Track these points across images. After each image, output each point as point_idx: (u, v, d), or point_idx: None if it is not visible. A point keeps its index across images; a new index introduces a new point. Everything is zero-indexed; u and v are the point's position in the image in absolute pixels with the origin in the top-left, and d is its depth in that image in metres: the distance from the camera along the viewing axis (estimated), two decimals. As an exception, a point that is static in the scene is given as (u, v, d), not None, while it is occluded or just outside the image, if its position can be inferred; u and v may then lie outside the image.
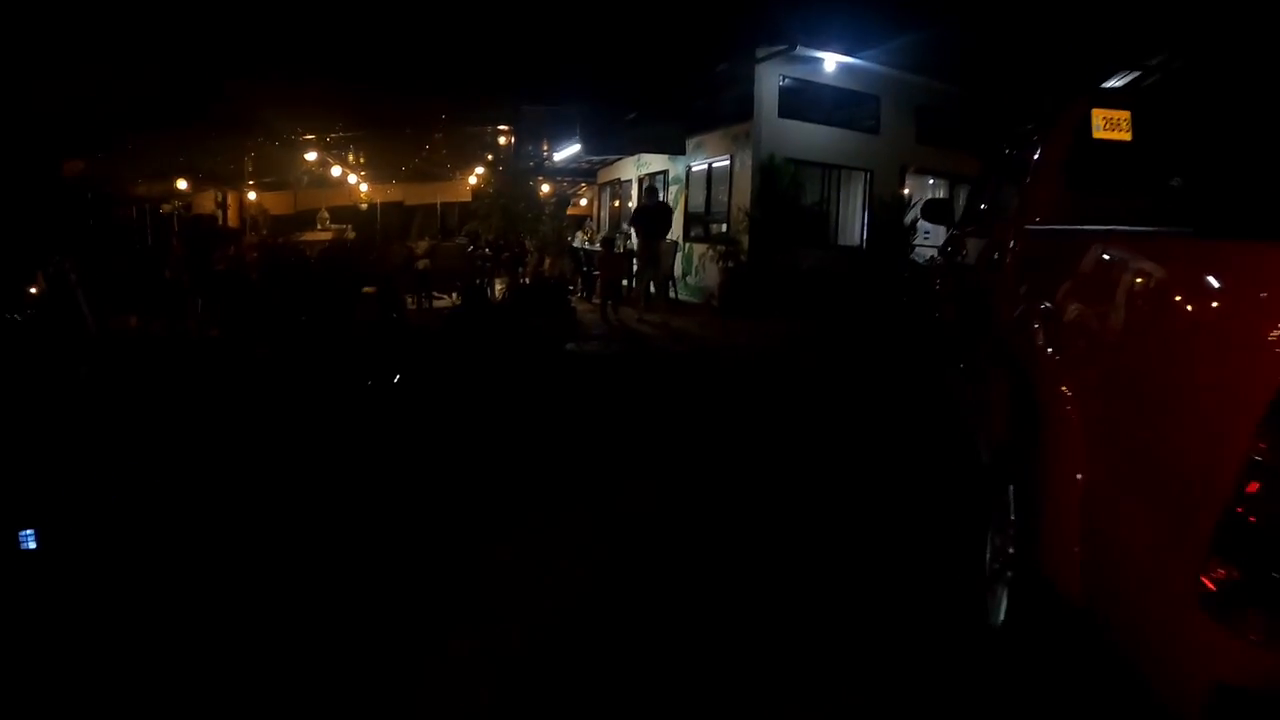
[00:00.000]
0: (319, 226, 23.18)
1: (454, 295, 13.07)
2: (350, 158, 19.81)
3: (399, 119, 13.91)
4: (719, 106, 15.84)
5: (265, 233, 23.25)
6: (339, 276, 9.41)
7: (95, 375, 6.77)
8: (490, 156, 13.83)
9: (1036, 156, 3.97)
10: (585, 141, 14.24)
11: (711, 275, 14.95)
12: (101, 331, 9.03)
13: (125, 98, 12.87)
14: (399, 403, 6.81)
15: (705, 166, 16.48)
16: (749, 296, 13.77)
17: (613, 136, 14.38)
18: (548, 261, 15.15)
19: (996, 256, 4.12)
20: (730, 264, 14.29)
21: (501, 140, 13.56)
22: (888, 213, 15.71)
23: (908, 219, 15.58)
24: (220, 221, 22.41)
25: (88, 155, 15.04)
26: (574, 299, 14.38)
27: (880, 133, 16.23)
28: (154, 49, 12.32)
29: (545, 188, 28.46)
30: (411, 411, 6.52)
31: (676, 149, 15.23)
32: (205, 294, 11.85)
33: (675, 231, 17.84)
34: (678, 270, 17.43)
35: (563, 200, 14.24)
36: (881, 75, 15.52)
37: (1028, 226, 3.71)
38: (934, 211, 6.98)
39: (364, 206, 24.45)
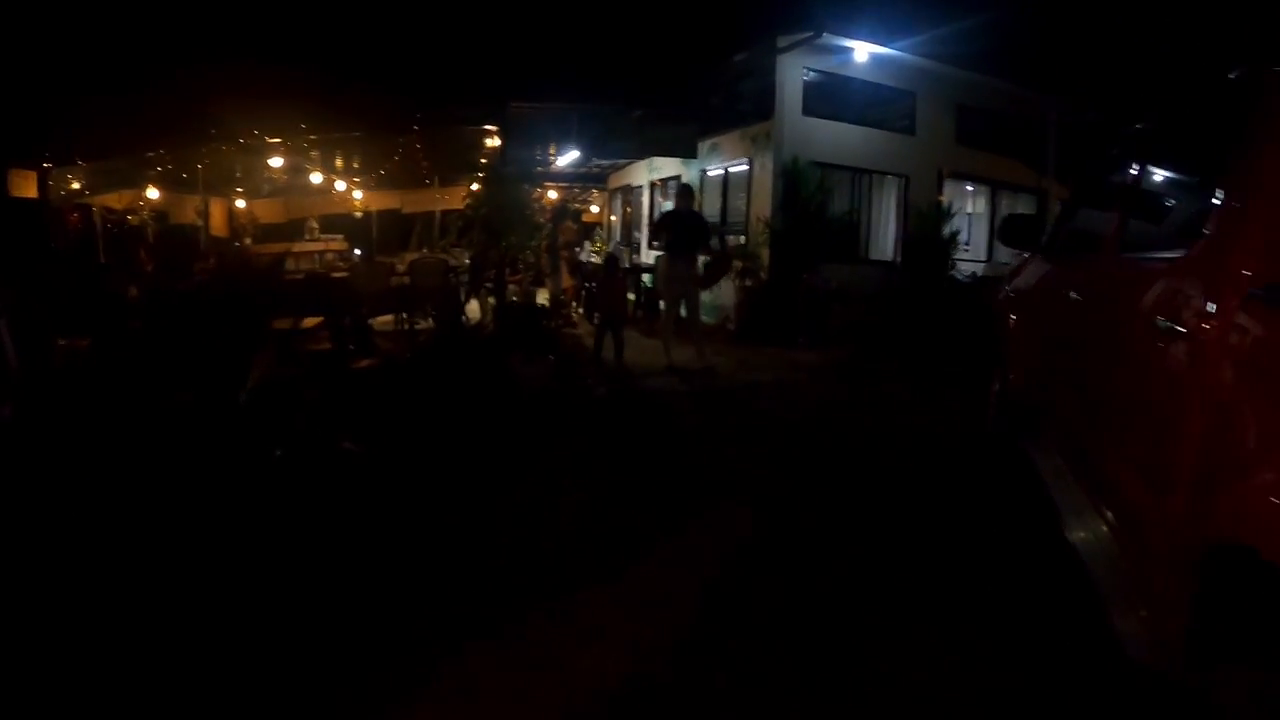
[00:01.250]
0: (307, 237, 21.78)
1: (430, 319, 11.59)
2: (339, 163, 18.25)
3: (363, 119, 12.37)
4: (736, 103, 14.16)
5: (247, 241, 21.92)
6: (234, 310, 7.77)
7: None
8: (485, 160, 12.26)
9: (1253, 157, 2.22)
10: (582, 142, 12.59)
11: (726, 293, 13.28)
12: (37, 361, 7.59)
13: (67, 94, 11.49)
14: (308, 487, 5.17)
15: (721, 171, 14.82)
16: (769, 319, 12.08)
17: (615, 138, 12.74)
18: (547, 281, 13.56)
19: (1172, 324, 2.37)
20: (748, 281, 12.62)
21: (489, 142, 11.96)
22: (924, 223, 13.99)
23: (947, 230, 13.85)
24: (205, 231, 21.02)
25: (36, 164, 13.55)
26: (576, 317, 12.75)
27: (916, 134, 14.53)
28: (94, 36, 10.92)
29: (552, 194, 27.03)
30: (317, 507, 4.87)
31: (687, 151, 13.55)
32: (150, 314, 10.32)
33: (688, 244, 16.31)
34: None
35: (561, 210, 12.52)
36: (918, 69, 13.82)
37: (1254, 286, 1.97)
38: (1015, 231, 5.31)
39: (359, 215, 23.05)
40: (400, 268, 14.55)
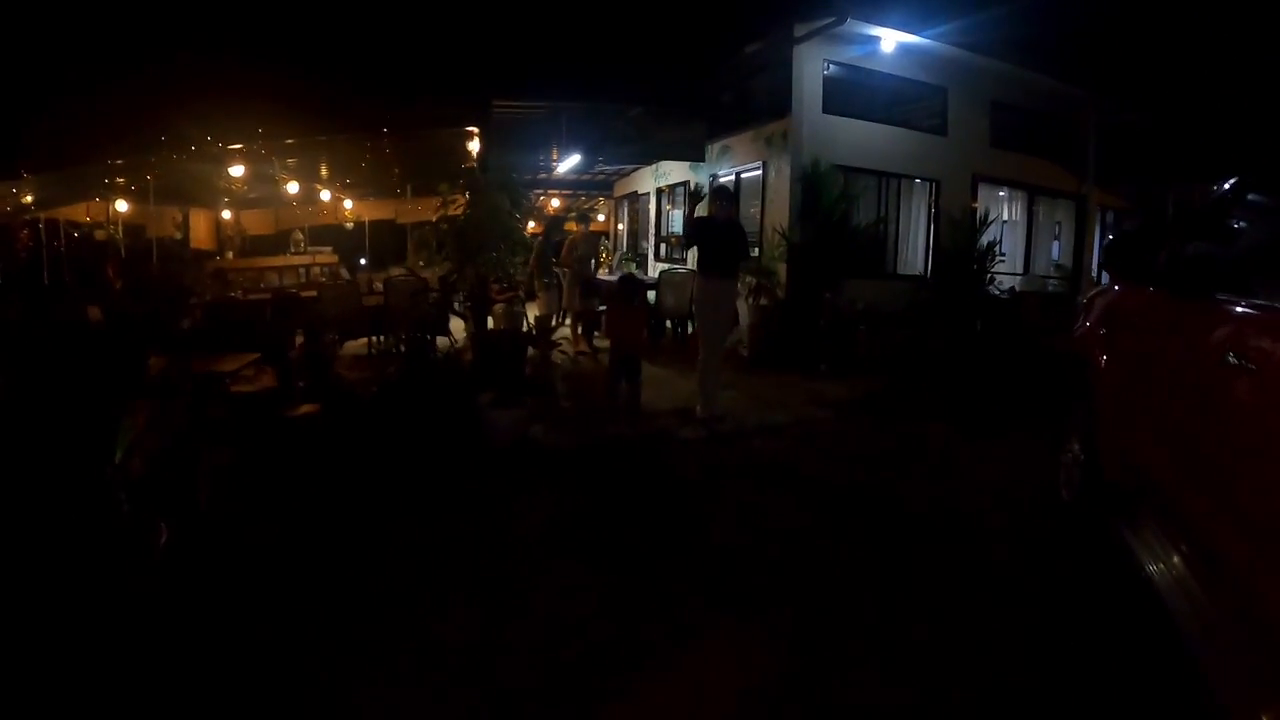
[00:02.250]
0: (292, 250, 20.55)
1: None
2: (322, 171, 16.92)
3: (326, 121, 11.02)
4: (749, 100, 12.80)
5: (229, 255, 20.67)
6: (104, 347, 6.35)
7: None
8: (465, 167, 10.83)
9: None
10: (575, 146, 11.20)
11: (741, 311, 11.89)
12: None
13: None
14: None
15: (732, 177, 13.44)
16: (787, 343, 10.69)
17: (613, 140, 11.36)
18: (539, 298, 12.19)
19: None
20: (763, 300, 11.23)
21: (471, 146, 10.64)
22: (957, 233, 12.57)
23: (982, 239, 12.43)
24: (185, 244, 19.80)
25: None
26: (569, 345, 11.36)
27: (948, 134, 13.12)
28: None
29: (555, 203, 25.73)
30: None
31: (694, 154, 12.16)
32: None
33: (695, 257, 14.97)
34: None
35: (555, 222, 11.16)
36: (950, 61, 12.44)
37: None
38: (1130, 256, 3.93)
39: (349, 226, 21.81)
40: (378, 285, 13.24)
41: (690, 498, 5.83)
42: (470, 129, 10.57)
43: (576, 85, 11.07)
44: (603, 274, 14.42)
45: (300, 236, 20.93)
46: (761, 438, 7.43)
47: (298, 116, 11.12)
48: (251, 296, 13.36)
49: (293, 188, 16.78)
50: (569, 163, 16.36)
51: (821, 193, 11.11)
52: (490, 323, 12.76)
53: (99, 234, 16.45)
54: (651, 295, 13.07)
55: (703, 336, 8.02)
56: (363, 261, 20.74)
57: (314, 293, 12.62)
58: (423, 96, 10.30)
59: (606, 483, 6.18)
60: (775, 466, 6.60)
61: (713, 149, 14.20)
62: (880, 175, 12.48)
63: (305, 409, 7.61)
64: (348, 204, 21.15)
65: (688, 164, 15.36)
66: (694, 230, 8.26)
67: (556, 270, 11.10)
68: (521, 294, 13.47)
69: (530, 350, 9.60)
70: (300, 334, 11.72)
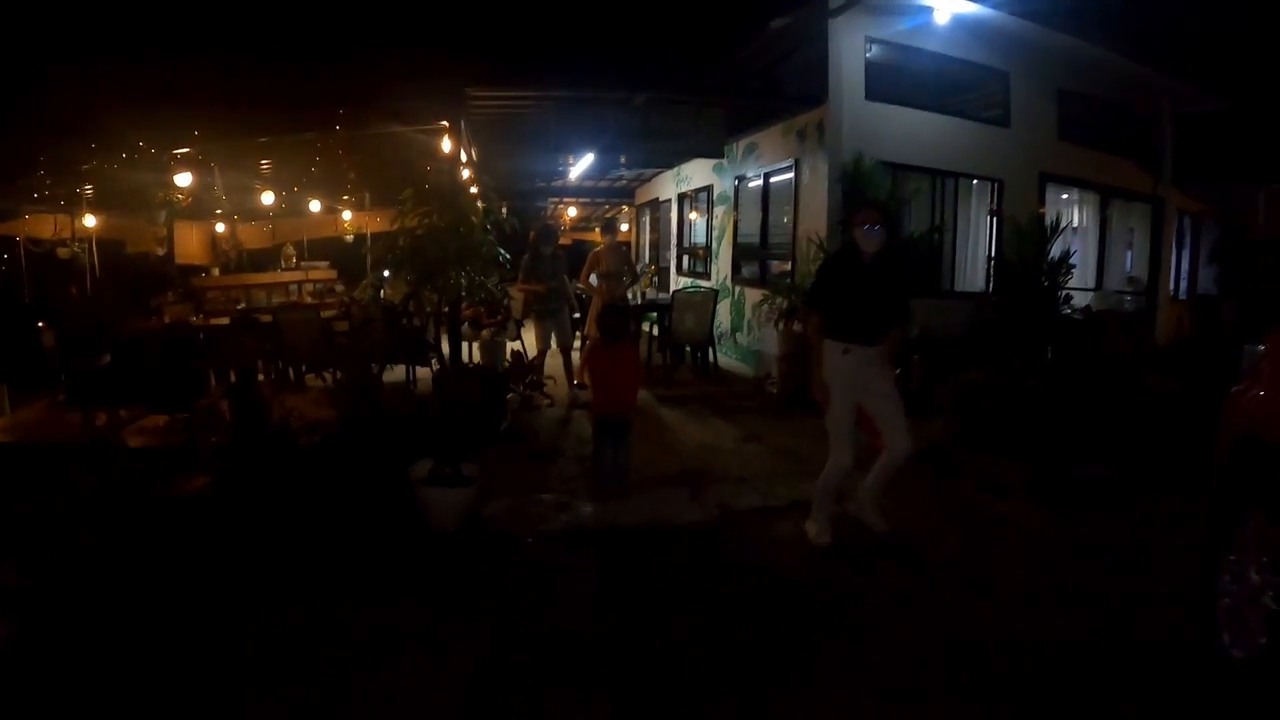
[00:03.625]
0: (283, 265, 18.93)
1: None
2: (304, 177, 15.23)
3: (269, 118, 9.28)
4: (777, 87, 10.90)
5: (214, 271, 19.11)
6: None
7: None
8: (431, 170, 8.95)
9: None
10: (567, 143, 9.34)
11: (768, 341, 10.00)
12: None
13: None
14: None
15: (760, 177, 11.57)
16: (825, 378, 8.80)
17: (615, 135, 9.47)
18: (534, 327, 10.37)
19: None
20: (796, 325, 9.33)
21: (445, 146, 8.86)
22: (1024, 242, 10.61)
23: (1054, 250, 10.45)
24: (169, 260, 18.22)
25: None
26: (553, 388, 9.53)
27: (1011, 125, 11.17)
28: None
29: (572, 212, 23.96)
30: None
31: (712, 149, 10.23)
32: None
33: (721, 271, 13.04)
34: (725, 324, 12.57)
35: (546, 231, 9.27)
36: (1013, 38, 10.58)
37: None
38: None
39: (349, 238, 20.18)
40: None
41: (674, 633, 3.96)
42: (441, 124, 8.79)
43: (568, 71, 9.21)
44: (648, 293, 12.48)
45: (291, 251, 19.29)
46: (789, 519, 5.55)
47: (236, 116, 9.43)
48: (214, 321, 11.71)
49: (311, 202, 15.30)
50: (580, 167, 14.60)
51: (866, 195, 9.22)
52: (476, 353, 11.06)
53: (61, 251, 14.83)
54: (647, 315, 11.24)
55: (832, 431, 5.08)
56: (385, 274, 18.90)
57: (269, 317, 10.90)
58: (381, 87, 8.52)
59: (565, 598, 4.36)
60: (802, 571, 4.73)
61: (736, 147, 12.34)
62: (934, 174, 10.56)
63: (197, 482, 5.81)
64: (346, 215, 19.53)
65: (710, 166, 13.59)
66: (829, 277, 5.12)
67: (550, 289, 9.21)
68: (517, 321, 11.69)
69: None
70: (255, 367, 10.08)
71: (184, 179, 10.86)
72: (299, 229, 20.36)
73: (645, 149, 9.83)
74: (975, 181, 11.11)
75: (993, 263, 11.19)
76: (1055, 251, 10.49)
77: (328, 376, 9.66)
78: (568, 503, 5.97)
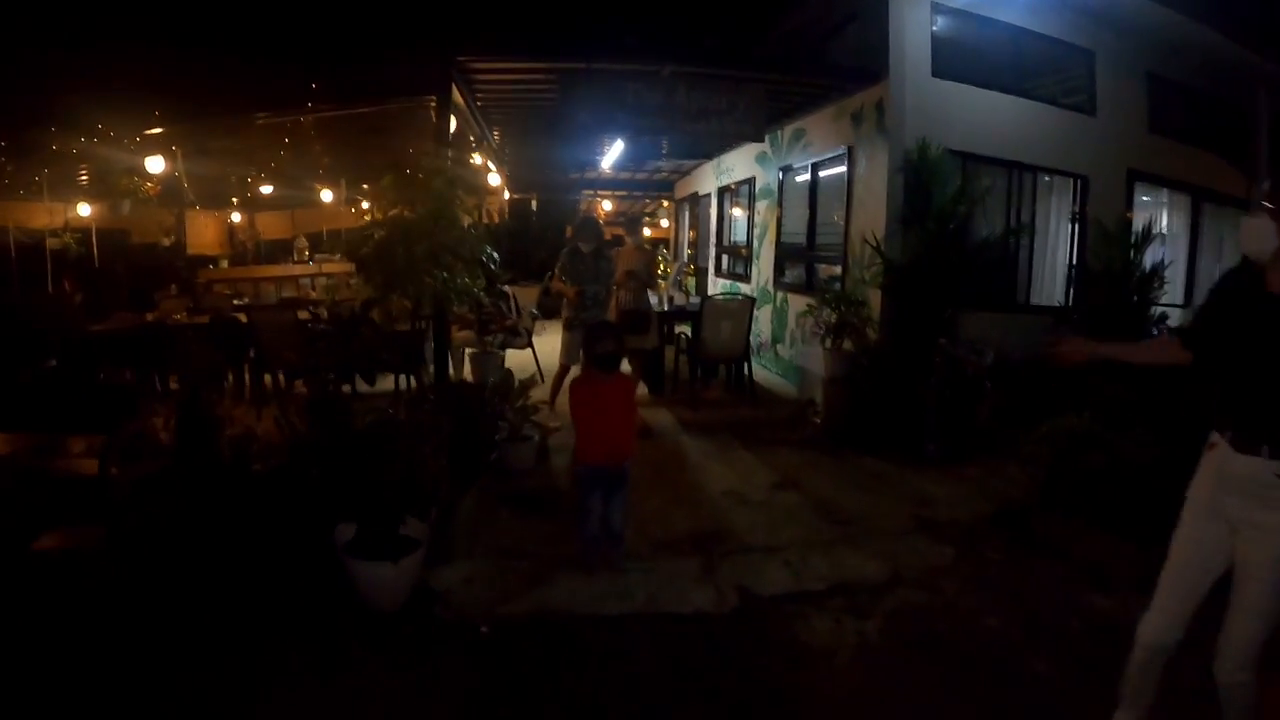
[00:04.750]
0: (295, 258, 17.81)
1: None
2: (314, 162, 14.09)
3: (231, 95, 8.11)
4: (827, 63, 9.43)
5: (224, 264, 18.07)
6: None
7: None
8: (412, 153, 7.47)
9: None
10: (578, 123, 7.88)
11: (815, 355, 8.56)
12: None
13: None
14: None
15: (808, 168, 10.12)
16: (878, 408, 7.29)
17: (636, 114, 8.03)
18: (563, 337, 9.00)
19: None
20: (846, 344, 7.89)
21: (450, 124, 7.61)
22: (1111, 249, 9.04)
23: (1145, 260, 8.88)
24: (179, 250, 17.22)
25: None
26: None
27: (1096, 114, 9.60)
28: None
29: (607, 206, 22.58)
30: None
31: (750, 132, 8.70)
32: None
33: (762, 274, 11.61)
34: (765, 333, 11.16)
35: (586, 223, 7.96)
36: (1097, 12, 9.10)
37: None
38: None
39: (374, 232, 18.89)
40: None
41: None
42: (425, 98, 7.51)
43: (581, 37, 7.82)
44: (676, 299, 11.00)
45: (304, 243, 18.17)
46: (827, 613, 4.16)
47: (193, 93, 8.28)
48: (196, 319, 10.54)
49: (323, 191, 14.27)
50: (611, 156, 13.25)
51: (932, 189, 7.75)
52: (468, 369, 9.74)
53: (51, 241, 13.82)
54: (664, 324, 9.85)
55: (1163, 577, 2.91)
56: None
57: (242, 317, 9.71)
58: (362, 54, 7.26)
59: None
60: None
61: (781, 134, 10.90)
62: (1010, 167, 9.02)
63: (78, 537, 4.51)
64: (365, 204, 18.38)
65: (753, 156, 12.18)
66: (1219, 315, 2.82)
67: (586, 293, 7.82)
68: (526, 329, 10.35)
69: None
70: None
71: (155, 164, 9.74)
72: (318, 219, 19.33)
73: (673, 131, 8.38)
74: (1056, 177, 9.56)
75: (1073, 272, 9.63)
76: (1147, 261, 8.93)
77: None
78: (543, 574, 4.63)
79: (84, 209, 14.10)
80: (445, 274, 6.26)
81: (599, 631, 4.00)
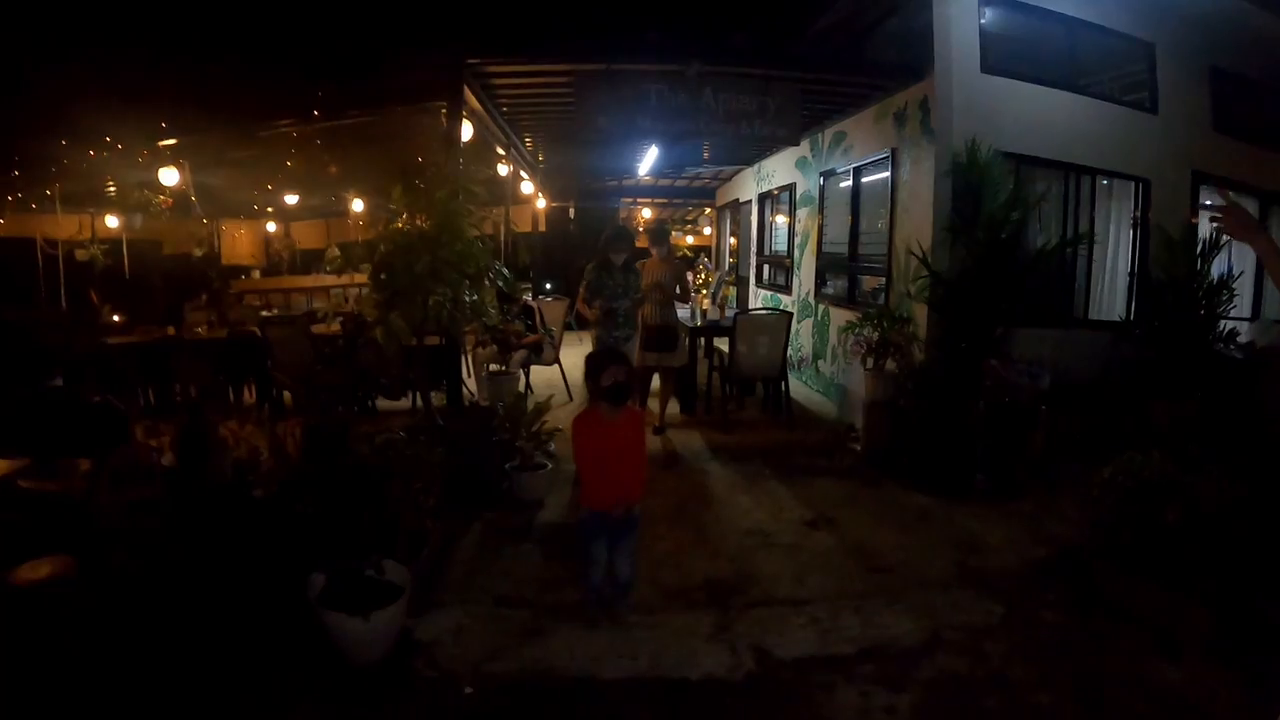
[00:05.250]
0: (327, 268, 17.53)
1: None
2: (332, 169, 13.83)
3: (237, 104, 7.79)
4: (866, 59, 8.83)
5: (255, 274, 17.88)
6: None
7: None
8: (423, 163, 6.95)
9: None
10: (597, 127, 7.36)
11: (856, 373, 7.98)
12: None
13: None
14: None
15: (850, 173, 9.54)
16: (925, 435, 6.68)
17: (662, 119, 7.51)
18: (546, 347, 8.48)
19: None
20: (890, 361, 7.31)
21: (454, 130, 7.16)
22: (1175, 258, 8.36)
23: (1213, 270, 8.19)
24: (212, 261, 17.04)
25: None
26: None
27: (1158, 111, 8.91)
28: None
29: (646, 213, 22.09)
30: None
31: (786, 135, 8.10)
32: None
33: (803, 285, 11.06)
34: (806, 348, 10.62)
35: (618, 234, 7.24)
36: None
37: None
38: None
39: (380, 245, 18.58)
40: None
41: None
42: (436, 104, 7.08)
43: (597, 37, 7.31)
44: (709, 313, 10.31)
45: (336, 253, 17.89)
46: (855, 685, 3.61)
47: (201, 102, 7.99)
48: (215, 334, 10.29)
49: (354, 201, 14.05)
50: (648, 163, 12.78)
51: (982, 194, 7.13)
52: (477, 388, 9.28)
53: (79, 253, 13.65)
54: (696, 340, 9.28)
55: None
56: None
57: (255, 330, 9.41)
58: (369, 58, 6.85)
59: None
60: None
61: (822, 137, 10.35)
62: (1066, 170, 8.38)
63: (45, 569, 4.09)
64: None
65: (793, 161, 11.64)
66: None
67: (616, 311, 7.28)
68: (553, 345, 9.88)
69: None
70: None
71: (169, 176, 9.48)
72: (352, 228, 19.09)
73: (700, 135, 7.85)
74: (1116, 180, 8.89)
75: (1135, 283, 8.94)
76: (1214, 271, 8.24)
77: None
78: (541, 625, 4.16)
79: (112, 220, 13.96)
80: (449, 291, 5.82)
81: (593, 698, 3.52)
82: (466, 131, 7.70)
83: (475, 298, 6.04)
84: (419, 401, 8.26)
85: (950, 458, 6.41)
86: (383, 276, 5.86)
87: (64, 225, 13.75)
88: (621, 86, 7.29)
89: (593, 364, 4.17)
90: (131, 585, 3.87)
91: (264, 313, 13.77)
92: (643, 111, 7.32)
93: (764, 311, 9.29)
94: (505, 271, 6.30)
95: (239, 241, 18.95)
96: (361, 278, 16.66)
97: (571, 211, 19.82)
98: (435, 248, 5.70)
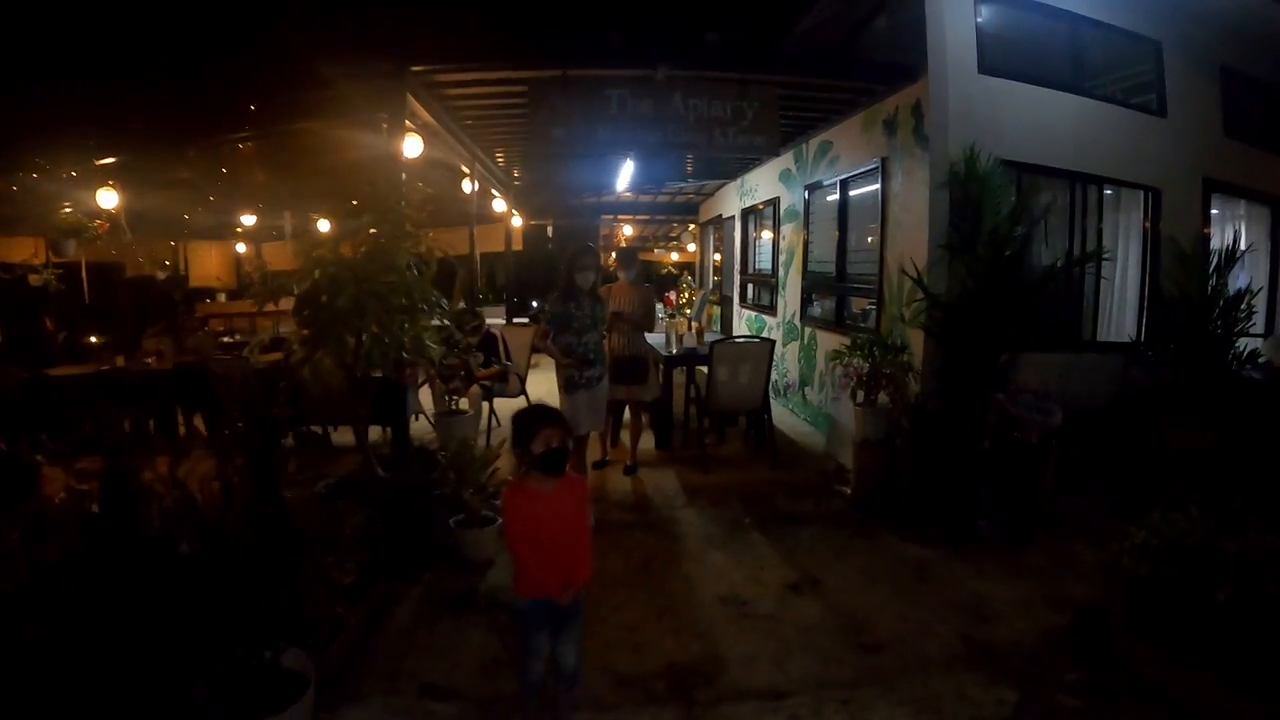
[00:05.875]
0: (296, 291, 16.81)
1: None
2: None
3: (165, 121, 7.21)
4: (854, 60, 8.15)
5: (223, 298, 17.21)
6: None
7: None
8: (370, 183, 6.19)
9: None
10: (545, 137, 6.61)
11: (845, 407, 7.27)
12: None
13: None
14: None
15: (836, 186, 8.87)
16: (922, 477, 5.98)
17: (629, 127, 6.79)
18: (562, 400, 7.54)
19: None
20: (882, 396, 6.59)
21: (389, 145, 6.49)
22: (1189, 273, 7.72)
23: (1229, 283, 7.55)
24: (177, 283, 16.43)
25: None
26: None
27: (1167, 114, 8.27)
28: None
29: (628, 230, 21.45)
30: None
31: (764, 144, 7.34)
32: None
33: (789, 307, 10.40)
34: (793, 373, 9.95)
35: (583, 255, 6.39)
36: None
37: None
38: None
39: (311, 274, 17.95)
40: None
41: None
42: (378, 116, 6.39)
43: (549, 38, 6.61)
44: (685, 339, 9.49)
45: (253, 281, 17.28)
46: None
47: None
48: (161, 365, 9.71)
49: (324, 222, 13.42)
50: (625, 178, 12.10)
51: (982, 207, 6.44)
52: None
53: (33, 278, 12.98)
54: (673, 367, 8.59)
55: None
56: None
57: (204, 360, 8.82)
58: (302, 67, 6.17)
59: None
60: None
61: (806, 148, 9.70)
62: (1072, 179, 7.73)
63: None
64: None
65: (777, 174, 10.99)
66: None
67: (582, 348, 6.34)
68: (519, 375, 9.19)
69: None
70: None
71: (109, 199, 8.90)
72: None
73: (668, 146, 7.13)
74: (1124, 189, 8.25)
75: (1145, 301, 8.28)
76: (1230, 285, 7.61)
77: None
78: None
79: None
80: (375, 329, 5.13)
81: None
82: (416, 147, 7.05)
83: (414, 332, 5.35)
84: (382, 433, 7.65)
85: (951, 502, 5.72)
86: (305, 312, 5.16)
87: (18, 249, 13.14)
88: (579, 94, 6.60)
89: (520, 426, 3.46)
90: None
91: (225, 339, 13.13)
92: (603, 120, 6.63)
93: (744, 339, 8.60)
94: (444, 303, 5.59)
95: (206, 262, 18.29)
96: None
97: (550, 230, 19.19)
98: (362, 279, 5.02)
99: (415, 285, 5.22)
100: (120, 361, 9.89)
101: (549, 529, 3.35)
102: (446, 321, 5.62)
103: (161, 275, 16.10)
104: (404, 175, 6.39)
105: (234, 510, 3.75)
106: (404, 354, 5.30)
